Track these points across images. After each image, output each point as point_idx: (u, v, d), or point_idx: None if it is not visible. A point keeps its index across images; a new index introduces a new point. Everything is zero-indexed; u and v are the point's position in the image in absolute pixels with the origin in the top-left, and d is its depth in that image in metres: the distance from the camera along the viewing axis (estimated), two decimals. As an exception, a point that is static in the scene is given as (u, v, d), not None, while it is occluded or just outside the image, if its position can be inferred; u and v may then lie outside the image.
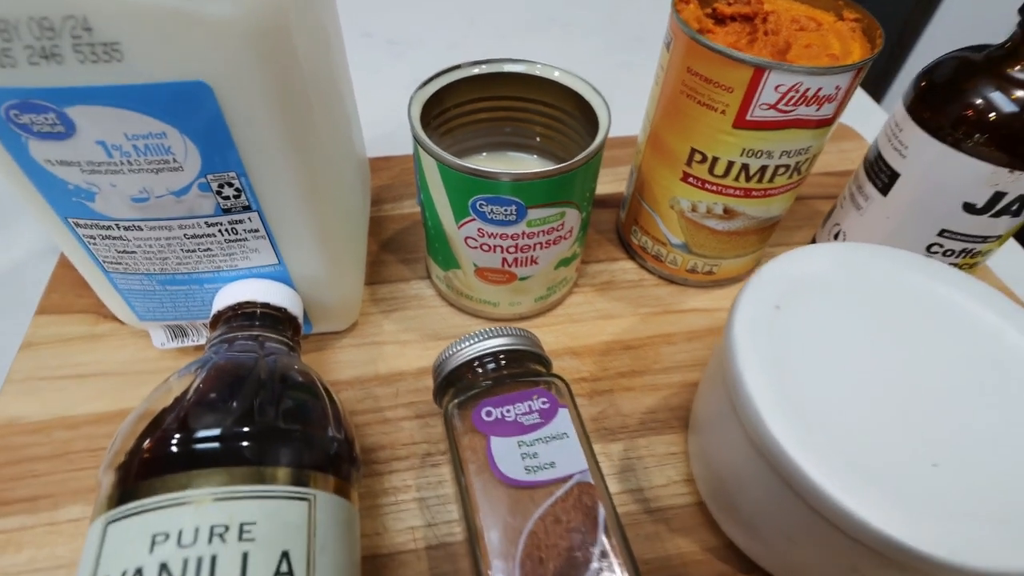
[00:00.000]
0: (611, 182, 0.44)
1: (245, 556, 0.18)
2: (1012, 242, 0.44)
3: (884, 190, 0.31)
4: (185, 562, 0.17)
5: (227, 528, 0.18)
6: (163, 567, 0.17)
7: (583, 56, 0.61)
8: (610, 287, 0.38)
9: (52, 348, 0.33)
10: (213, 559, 0.17)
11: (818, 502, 0.19)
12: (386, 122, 0.49)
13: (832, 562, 0.21)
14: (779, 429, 0.20)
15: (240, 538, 0.18)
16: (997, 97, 0.26)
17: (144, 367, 0.32)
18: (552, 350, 0.34)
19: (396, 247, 0.39)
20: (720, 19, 0.31)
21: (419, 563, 0.26)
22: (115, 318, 0.34)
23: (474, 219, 0.29)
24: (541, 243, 0.30)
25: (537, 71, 0.32)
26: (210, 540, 0.18)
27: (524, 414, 0.24)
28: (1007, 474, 0.19)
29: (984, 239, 0.29)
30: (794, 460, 0.19)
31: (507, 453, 0.23)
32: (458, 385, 0.26)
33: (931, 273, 0.24)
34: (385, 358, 0.33)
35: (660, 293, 0.37)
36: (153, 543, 0.17)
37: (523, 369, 0.26)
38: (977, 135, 0.27)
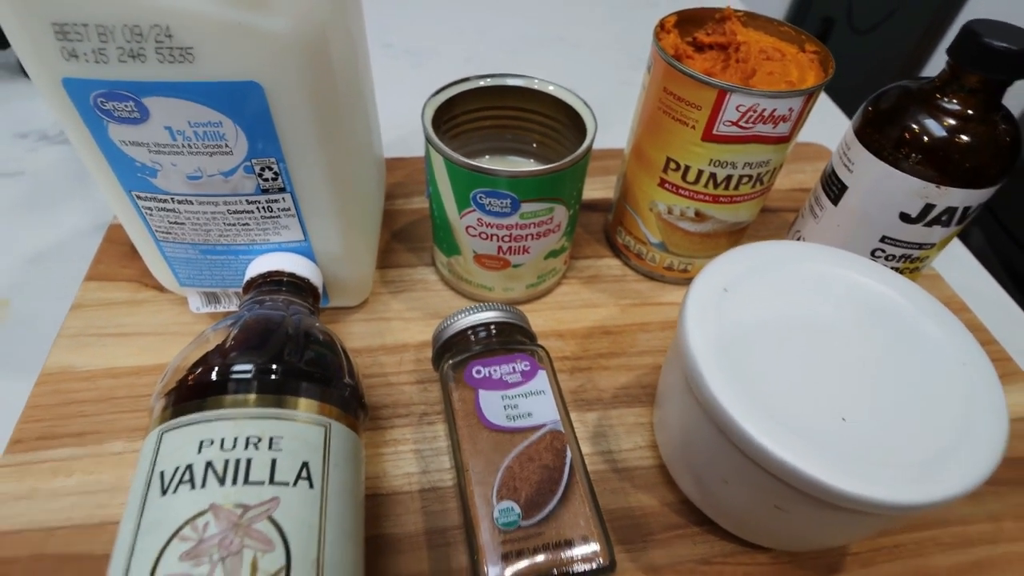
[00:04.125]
0: (603, 188, 0.49)
1: (274, 461, 0.22)
2: (966, 252, 0.48)
3: (835, 201, 0.35)
4: (226, 462, 0.21)
5: (260, 439, 0.22)
6: (208, 464, 0.21)
7: (588, 73, 0.65)
8: (596, 280, 0.42)
9: (99, 310, 0.37)
10: (249, 461, 0.22)
11: (748, 448, 0.23)
12: (403, 126, 0.54)
13: (759, 500, 0.25)
14: (719, 388, 0.24)
15: (270, 448, 0.22)
16: (930, 123, 0.31)
17: (180, 329, 0.37)
18: (540, 331, 0.38)
19: (406, 237, 0.44)
20: (700, 47, 0.36)
21: (413, 503, 0.30)
22: (155, 287, 0.38)
23: (474, 210, 0.33)
24: (532, 234, 0.35)
25: (535, 85, 0.36)
26: (246, 447, 0.22)
27: (508, 373, 0.29)
28: (898, 427, 0.23)
29: (920, 246, 0.34)
30: (730, 414, 0.23)
31: (492, 404, 0.27)
32: (454, 350, 0.30)
33: (854, 265, 0.28)
34: (392, 331, 0.38)
35: (640, 288, 0.42)
36: (200, 446, 0.22)
37: (510, 338, 0.31)
38: (912, 155, 0.31)
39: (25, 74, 0.56)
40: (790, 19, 1.48)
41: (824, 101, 0.64)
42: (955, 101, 0.30)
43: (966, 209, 0.31)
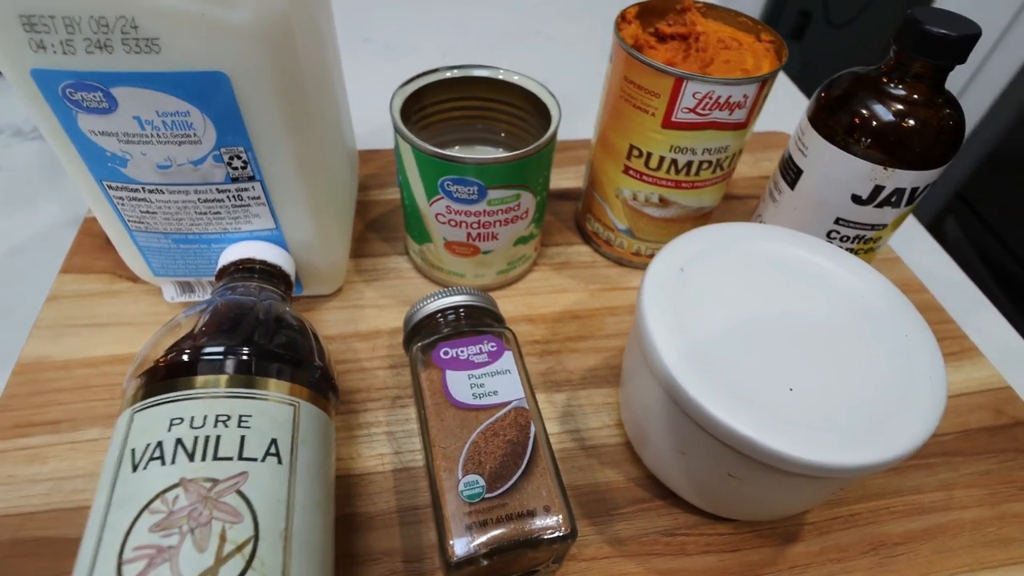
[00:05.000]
0: (575, 177, 0.50)
1: (243, 438, 0.23)
2: (927, 236, 0.50)
3: (792, 185, 0.36)
4: (196, 439, 0.22)
5: (229, 417, 0.23)
6: (178, 441, 0.22)
7: (563, 66, 0.66)
8: (566, 267, 0.43)
9: (74, 301, 0.38)
10: (218, 438, 0.22)
11: (699, 417, 0.24)
12: (380, 119, 0.54)
13: (713, 469, 0.26)
14: (672, 362, 0.25)
15: (239, 425, 0.23)
16: (878, 108, 0.32)
17: (155, 319, 0.37)
18: (511, 316, 0.39)
19: (379, 227, 0.44)
20: (662, 37, 0.37)
21: (385, 482, 0.31)
22: (130, 277, 0.39)
23: (442, 198, 0.34)
24: (500, 221, 0.35)
25: (500, 75, 0.37)
26: (215, 424, 0.23)
27: (475, 354, 0.29)
28: (843, 396, 0.24)
29: (873, 227, 0.35)
30: (681, 385, 0.24)
31: (459, 383, 0.28)
32: (423, 332, 0.31)
33: (805, 245, 0.30)
34: (365, 319, 0.38)
35: (609, 273, 0.43)
36: (171, 424, 0.22)
37: (478, 321, 0.32)
38: (862, 139, 0.32)
39: (-2, 71, 0.56)
40: (767, 13, 1.50)
41: (794, 93, 0.66)
42: (901, 86, 0.31)
43: (914, 190, 0.33)
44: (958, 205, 1.15)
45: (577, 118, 0.55)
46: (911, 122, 0.31)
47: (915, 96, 0.31)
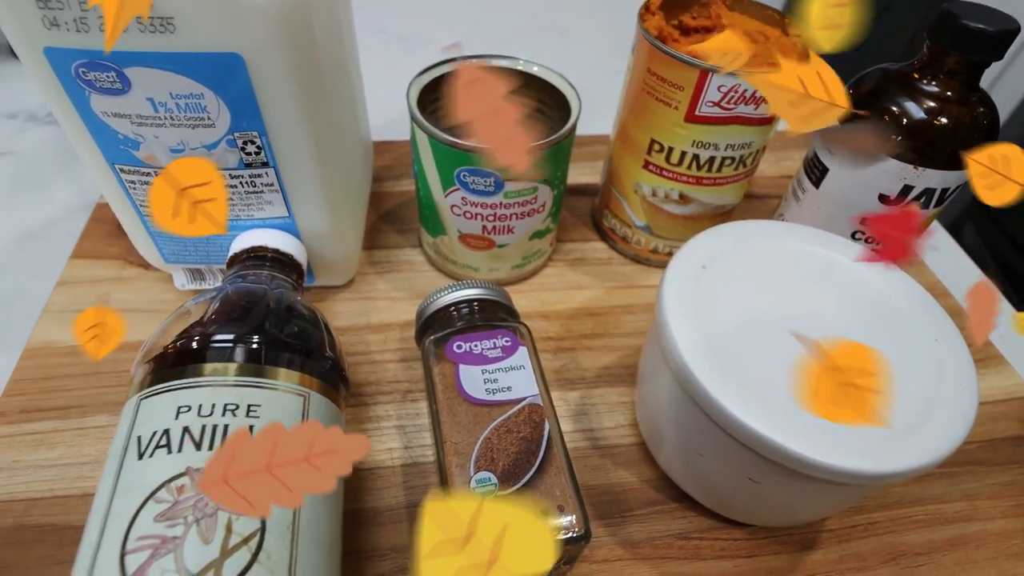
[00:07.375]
0: (591, 173, 0.49)
1: (251, 428, 0.22)
2: (951, 241, 0.48)
3: (817, 183, 0.35)
4: (203, 427, 0.22)
5: (238, 407, 0.22)
6: (185, 429, 0.21)
7: (578, 61, 0.65)
8: (582, 263, 0.42)
9: (84, 286, 0.38)
10: (226, 427, 0.22)
11: (720, 418, 0.23)
12: (393, 110, 0.54)
13: (733, 472, 0.25)
14: (693, 361, 0.24)
15: (247, 415, 0.22)
16: (909, 105, 0.31)
17: (165, 306, 0.37)
18: (525, 312, 0.39)
19: (393, 218, 0.44)
20: (685, 30, 0.36)
21: (395, 476, 0.31)
22: (141, 264, 0.39)
23: (458, 189, 0.33)
24: (516, 214, 0.35)
25: (520, 66, 0.36)
26: (223, 414, 0.22)
27: (489, 348, 0.29)
28: (872, 401, 0.24)
29: (900, 229, 0.34)
30: (703, 385, 0.24)
31: (472, 378, 0.28)
32: (436, 326, 0.31)
33: (829, 244, 0.29)
34: (377, 311, 0.38)
35: (626, 270, 0.42)
36: (178, 412, 0.22)
37: (492, 315, 0.31)
38: (892, 136, 0.31)
39: (14, 55, 0.56)
40: (785, 7, 1.48)
41: (814, 91, 0.64)
42: (934, 83, 0.30)
43: (944, 191, 0.32)
44: (976, 210, 1.13)
45: (593, 114, 0.54)
46: (944, 120, 0.30)
47: (948, 93, 0.30)
